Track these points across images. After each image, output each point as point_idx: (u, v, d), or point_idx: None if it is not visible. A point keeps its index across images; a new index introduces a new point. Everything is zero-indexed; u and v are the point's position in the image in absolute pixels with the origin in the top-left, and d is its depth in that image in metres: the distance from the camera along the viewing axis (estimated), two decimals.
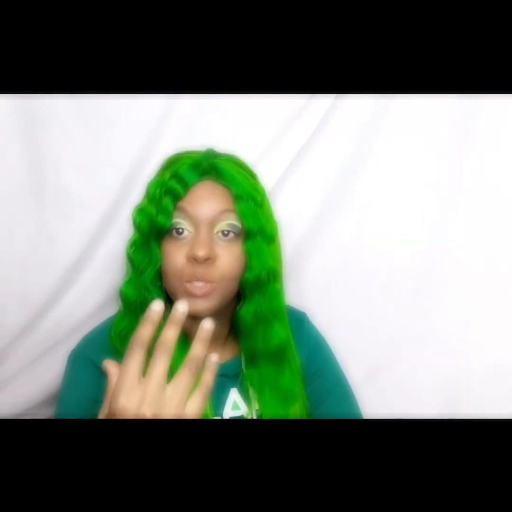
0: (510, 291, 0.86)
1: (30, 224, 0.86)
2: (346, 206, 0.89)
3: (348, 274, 0.90)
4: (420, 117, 0.85)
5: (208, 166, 0.64)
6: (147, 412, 0.39)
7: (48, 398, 0.86)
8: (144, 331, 0.43)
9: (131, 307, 0.66)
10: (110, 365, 0.44)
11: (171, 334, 0.42)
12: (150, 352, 0.42)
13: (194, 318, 0.63)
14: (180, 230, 0.63)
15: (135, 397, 0.40)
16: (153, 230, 0.63)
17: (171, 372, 0.42)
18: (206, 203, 0.62)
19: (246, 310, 0.67)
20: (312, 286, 0.91)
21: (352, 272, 0.90)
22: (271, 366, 0.68)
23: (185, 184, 0.63)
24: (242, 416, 0.69)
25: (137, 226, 0.65)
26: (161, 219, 0.62)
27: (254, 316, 0.67)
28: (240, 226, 0.63)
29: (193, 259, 0.60)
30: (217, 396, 0.68)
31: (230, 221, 0.63)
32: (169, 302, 0.68)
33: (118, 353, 0.65)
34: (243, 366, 0.70)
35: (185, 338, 0.62)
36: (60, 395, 0.69)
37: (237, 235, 0.63)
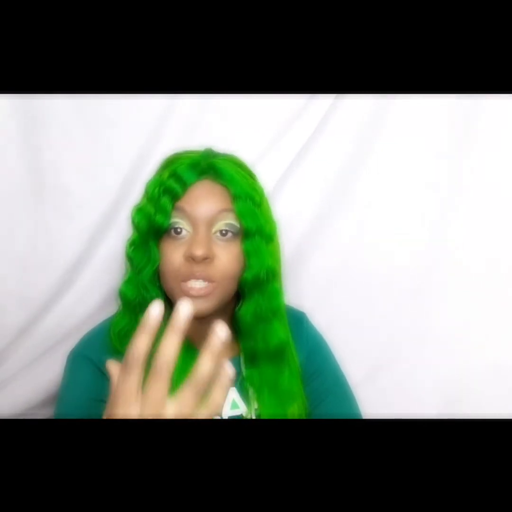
0: (510, 291, 0.86)
1: (30, 224, 0.86)
2: (346, 206, 0.89)
3: (348, 274, 0.90)
4: (420, 117, 0.85)
5: (206, 166, 0.64)
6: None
7: (48, 398, 0.86)
8: (141, 343, 0.37)
9: (130, 306, 0.66)
10: (112, 367, 0.42)
11: (171, 345, 0.37)
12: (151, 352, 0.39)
13: (194, 319, 0.63)
14: (179, 230, 0.63)
15: (132, 416, 0.37)
16: (151, 229, 0.63)
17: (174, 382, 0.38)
18: (205, 202, 0.62)
19: (246, 310, 0.67)
20: (312, 286, 0.91)
21: (352, 272, 0.90)
22: (271, 366, 0.69)
23: (183, 183, 0.63)
24: (241, 415, 0.69)
25: (136, 225, 0.65)
26: (159, 218, 0.62)
27: (254, 316, 0.67)
28: (238, 225, 0.63)
29: (191, 259, 0.60)
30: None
31: (228, 220, 0.63)
32: (168, 302, 0.68)
33: (118, 353, 0.65)
34: (242, 366, 0.70)
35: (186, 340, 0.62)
36: (60, 395, 0.69)
37: (235, 234, 0.63)
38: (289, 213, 0.87)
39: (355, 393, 0.76)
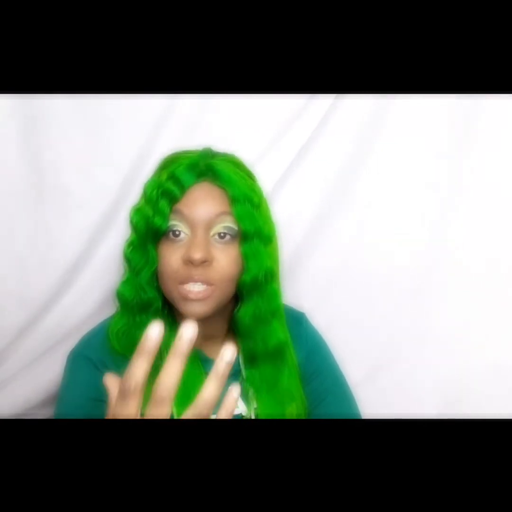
0: (510, 291, 0.86)
1: (30, 224, 0.86)
2: (346, 206, 0.89)
3: (348, 274, 0.90)
4: (420, 117, 0.85)
5: (204, 167, 0.64)
6: None
7: (48, 398, 0.86)
8: (139, 368, 0.35)
9: (128, 307, 0.66)
10: (109, 381, 0.40)
11: (174, 372, 0.35)
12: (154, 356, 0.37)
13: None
14: (177, 233, 0.62)
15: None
16: (149, 231, 0.63)
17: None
18: (203, 205, 0.62)
19: (244, 312, 0.67)
20: (312, 286, 0.91)
21: (352, 272, 0.90)
22: (270, 366, 0.69)
23: (181, 186, 0.63)
24: (241, 414, 0.69)
25: (134, 226, 0.65)
26: (157, 221, 0.62)
27: (253, 317, 0.67)
28: (236, 228, 0.63)
29: (189, 262, 0.60)
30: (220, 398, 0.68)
31: (227, 223, 0.63)
32: (167, 304, 0.68)
33: (117, 353, 0.65)
34: (241, 366, 0.70)
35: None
36: (60, 395, 0.69)
37: (233, 237, 0.63)
38: (289, 213, 0.87)
39: (355, 393, 0.76)
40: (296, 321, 0.78)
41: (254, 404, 0.70)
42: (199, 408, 0.36)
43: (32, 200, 0.85)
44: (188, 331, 0.35)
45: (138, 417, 0.37)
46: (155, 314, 0.67)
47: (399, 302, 0.90)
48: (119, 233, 0.82)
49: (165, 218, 0.62)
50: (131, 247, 0.65)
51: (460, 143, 0.85)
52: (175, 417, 0.36)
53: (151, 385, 0.36)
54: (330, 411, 0.72)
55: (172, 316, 0.70)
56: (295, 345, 0.73)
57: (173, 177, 0.63)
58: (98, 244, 0.87)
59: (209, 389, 0.36)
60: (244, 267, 0.64)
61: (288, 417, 0.68)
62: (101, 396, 0.42)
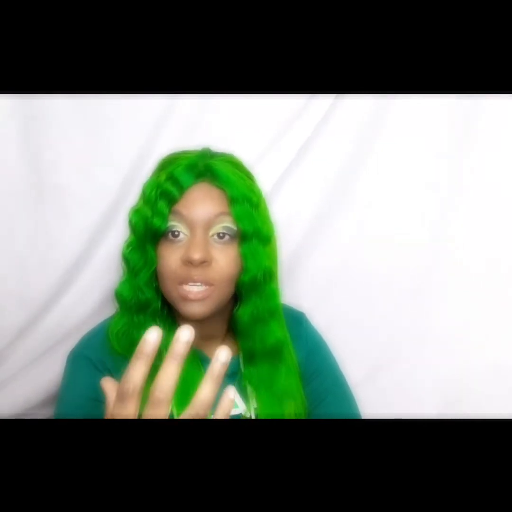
0: (510, 291, 0.86)
1: (30, 224, 0.86)
2: (346, 206, 0.89)
3: (348, 274, 0.90)
4: (420, 117, 0.85)
5: (203, 168, 0.64)
6: None
7: (48, 398, 0.86)
8: (137, 372, 0.36)
9: (127, 308, 0.66)
10: (107, 385, 0.41)
11: (171, 374, 0.35)
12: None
13: (193, 321, 0.63)
14: (176, 233, 0.62)
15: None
16: (148, 232, 0.63)
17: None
18: (202, 206, 0.62)
19: (243, 311, 0.67)
20: (312, 286, 0.91)
21: (352, 272, 0.90)
22: (267, 364, 0.69)
23: (180, 187, 0.62)
24: (240, 414, 0.69)
25: (133, 227, 0.65)
26: (156, 222, 0.62)
27: (251, 317, 0.67)
28: (235, 228, 0.63)
29: (188, 262, 0.60)
30: (217, 398, 0.68)
31: (226, 223, 0.63)
32: (166, 304, 0.68)
33: (117, 354, 0.65)
34: (241, 365, 0.71)
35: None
36: (60, 395, 0.69)
37: (232, 237, 0.63)
38: (289, 213, 0.87)
39: (355, 393, 0.76)
40: (296, 321, 0.78)
41: (254, 404, 0.70)
42: (196, 408, 0.36)
43: (32, 200, 0.85)
44: (185, 334, 0.36)
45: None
46: (154, 315, 0.67)
47: (399, 302, 0.90)
48: (119, 233, 0.82)
49: (164, 218, 0.62)
50: (130, 248, 0.65)
51: (460, 143, 0.85)
52: (175, 417, 0.36)
53: (149, 387, 0.36)
54: (330, 411, 0.72)
55: (171, 317, 0.70)
56: (295, 345, 0.73)
57: (171, 178, 0.63)
58: (98, 244, 0.87)
59: (205, 390, 0.36)
60: (243, 267, 0.64)
61: (287, 416, 0.68)
62: (100, 397, 0.42)
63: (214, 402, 0.38)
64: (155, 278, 0.65)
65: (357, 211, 0.89)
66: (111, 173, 0.85)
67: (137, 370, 0.36)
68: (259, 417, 0.69)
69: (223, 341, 0.72)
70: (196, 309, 0.62)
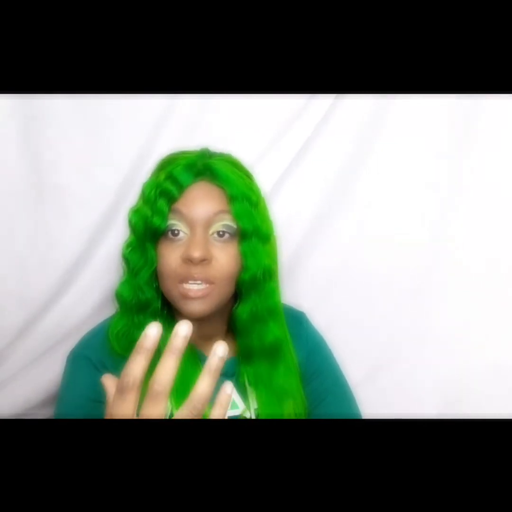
0: (510, 291, 0.86)
1: (30, 224, 0.86)
2: (346, 206, 0.89)
3: (348, 274, 0.90)
4: (420, 117, 0.85)
5: (202, 167, 0.64)
6: None
7: (48, 398, 0.86)
8: (136, 366, 0.36)
9: (127, 308, 0.66)
10: (107, 381, 0.41)
11: (169, 368, 0.36)
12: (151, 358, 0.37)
13: (193, 320, 0.63)
14: (176, 232, 0.63)
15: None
16: (148, 231, 0.63)
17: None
18: (201, 204, 0.62)
19: (242, 309, 0.67)
20: (312, 286, 0.91)
21: (352, 272, 0.90)
22: (265, 363, 0.69)
23: (179, 185, 0.63)
24: (240, 414, 0.69)
25: (133, 227, 0.65)
26: (156, 220, 0.62)
27: (250, 315, 0.67)
28: (235, 226, 0.63)
29: (189, 260, 0.60)
30: (215, 395, 0.68)
31: (225, 222, 0.63)
32: (167, 304, 0.68)
33: (117, 354, 0.65)
34: (240, 366, 0.71)
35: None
36: (60, 395, 0.69)
37: (232, 235, 0.63)
38: (289, 213, 0.87)
39: (355, 393, 0.76)
40: (297, 321, 0.78)
41: (254, 405, 0.70)
42: (193, 402, 0.37)
43: (32, 200, 0.85)
44: (183, 329, 0.37)
45: (135, 415, 0.37)
46: (154, 315, 0.67)
47: (399, 302, 0.90)
48: (119, 233, 0.82)
49: (164, 217, 0.62)
50: (130, 248, 0.65)
51: (460, 143, 0.85)
52: (174, 414, 0.36)
53: (148, 382, 0.37)
54: (330, 411, 0.72)
55: (171, 317, 0.70)
56: (296, 345, 0.73)
57: (171, 177, 0.63)
58: (98, 244, 0.87)
59: (203, 384, 0.37)
60: (243, 265, 0.64)
61: (287, 416, 0.68)
62: (100, 397, 0.43)
63: (212, 397, 0.38)
64: (155, 277, 0.65)
65: (357, 211, 0.89)
66: (111, 173, 0.85)
67: (137, 364, 0.36)
68: (259, 417, 0.69)
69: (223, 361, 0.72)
70: (196, 307, 0.62)
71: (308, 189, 0.88)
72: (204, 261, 0.61)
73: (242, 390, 0.70)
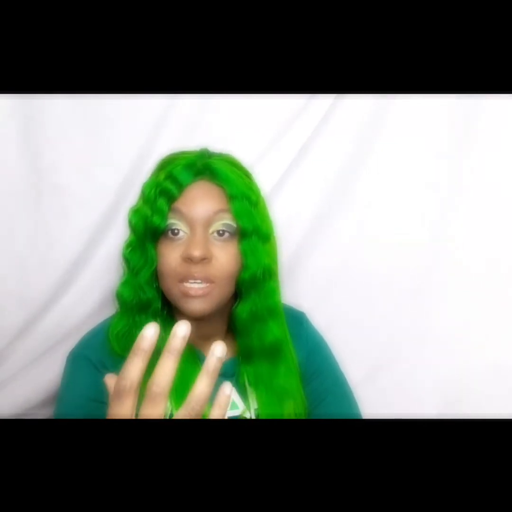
0: (510, 291, 0.86)
1: (30, 224, 0.86)
2: (346, 206, 0.89)
3: (348, 274, 0.90)
4: (420, 117, 0.85)
5: (202, 166, 0.64)
6: None
7: (48, 398, 0.86)
8: (134, 368, 0.36)
9: (128, 308, 0.66)
10: (110, 381, 0.41)
11: (168, 370, 0.36)
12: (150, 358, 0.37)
13: (193, 320, 0.63)
14: (176, 231, 0.63)
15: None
16: (148, 231, 0.63)
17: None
18: (201, 203, 0.62)
19: (242, 309, 0.67)
20: (312, 286, 0.91)
21: (352, 272, 0.90)
22: (266, 363, 0.69)
23: (179, 185, 0.63)
24: (240, 414, 0.69)
25: (133, 227, 0.65)
26: (156, 220, 0.62)
27: (250, 314, 0.67)
28: (235, 225, 0.63)
29: (189, 260, 0.60)
30: (214, 395, 0.68)
31: (225, 221, 0.63)
32: (167, 304, 0.68)
33: (117, 354, 0.65)
34: (240, 366, 0.70)
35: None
36: (60, 395, 0.69)
37: (232, 234, 0.63)
38: (289, 213, 0.87)
39: (355, 393, 0.76)
40: (297, 321, 0.78)
41: (254, 405, 0.70)
42: (192, 403, 0.37)
43: (32, 200, 0.85)
44: (181, 329, 0.36)
45: (134, 416, 0.37)
46: (155, 315, 0.67)
47: (399, 302, 0.90)
48: (119, 233, 0.82)
49: (164, 217, 0.62)
50: (130, 248, 0.65)
51: (460, 143, 0.85)
52: (173, 414, 0.36)
53: (146, 384, 0.37)
54: (330, 411, 0.72)
55: (171, 317, 0.70)
56: (296, 345, 0.73)
57: (170, 176, 0.63)
58: (98, 244, 0.87)
59: (201, 385, 0.37)
60: (242, 265, 0.64)
61: (287, 416, 0.68)
62: (100, 397, 0.43)
63: (211, 398, 0.38)
64: (155, 277, 0.65)
65: (357, 211, 0.89)
66: (111, 173, 0.85)
67: (134, 366, 0.36)
68: (259, 417, 0.69)
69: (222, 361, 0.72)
70: (197, 306, 0.62)
71: (308, 189, 0.88)
72: (204, 260, 0.61)
73: (242, 391, 0.70)
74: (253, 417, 0.69)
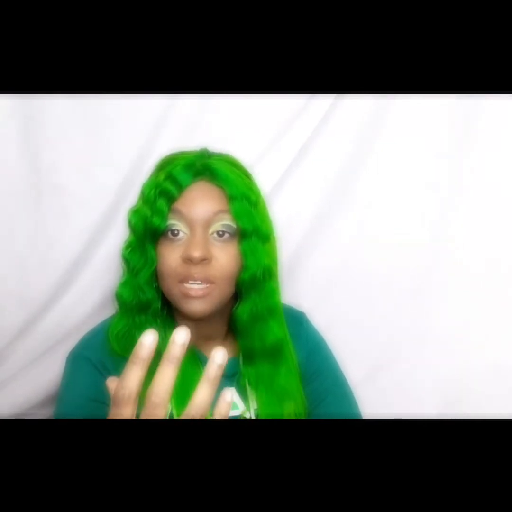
0: (510, 291, 0.86)
1: (30, 224, 0.86)
2: (346, 206, 0.89)
3: (348, 274, 0.90)
4: (420, 117, 0.85)
5: (202, 167, 0.64)
6: None
7: (48, 398, 0.86)
8: (132, 376, 0.35)
9: (128, 308, 0.66)
10: (110, 384, 0.40)
11: (167, 378, 0.35)
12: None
13: (193, 321, 0.63)
14: (175, 232, 0.63)
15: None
16: (148, 231, 0.63)
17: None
18: (201, 204, 0.62)
19: (242, 309, 0.67)
20: (312, 286, 0.91)
21: (352, 272, 0.90)
22: (267, 363, 0.69)
23: (179, 185, 0.63)
24: (240, 414, 0.69)
25: (132, 227, 0.65)
26: (155, 220, 0.62)
27: (250, 315, 0.67)
28: (235, 226, 0.63)
29: (189, 260, 0.60)
30: (216, 399, 0.68)
31: (225, 221, 0.63)
32: (167, 305, 0.68)
33: (117, 354, 0.65)
34: (241, 366, 0.70)
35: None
36: (60, 395, 0.69)
37: (232, 235, 0.63)
38: (289, 213, 0.87)
39: (355, 393, 0.76)
40: (297, 321, 0.78)
41: (254, 405, 0.70)
42: (192, 411, 0.36)
43: (32, 200, 0.85)
44: (180, 336, 0.35)
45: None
46: (154, 315, 0.67)
47: (399, 302, 0.90)
48: (119, 233, 0.82)
49: (164, 217, 0.62)
50: (129, 249, 0.65)
51: (460, 143, 0.85)
52: (173, 414, 0.35)
53: (146, 391, 0.36)
54: (330, 411, 0.72)
55: (171, 317, 0.70)
56: (296, 345, 0.73)
57: (170, 177, 0.63)
58: (98, 244, 0.87)
59: (201, 393, 0.36)
60: (242, 265, 0.64)
61: (287, 416, 0.68)
62: (100, 397, 0.43)
63: (212, 404, 0.38)
64: (155, 278, 0.65)
65: (357, 211, 0.89)
66: (111, 173, 0.85)
67: (133, 375, 0.35)
68: (259, 417, 0.69)
69: (223, 342, 0.72)
70: (197, 306, 0.62)
71: (308, 189, 0.88)
72: (204, 260, 0.61)
73: (242, 391, 0.70)
74: (253, 417, 0.69)
